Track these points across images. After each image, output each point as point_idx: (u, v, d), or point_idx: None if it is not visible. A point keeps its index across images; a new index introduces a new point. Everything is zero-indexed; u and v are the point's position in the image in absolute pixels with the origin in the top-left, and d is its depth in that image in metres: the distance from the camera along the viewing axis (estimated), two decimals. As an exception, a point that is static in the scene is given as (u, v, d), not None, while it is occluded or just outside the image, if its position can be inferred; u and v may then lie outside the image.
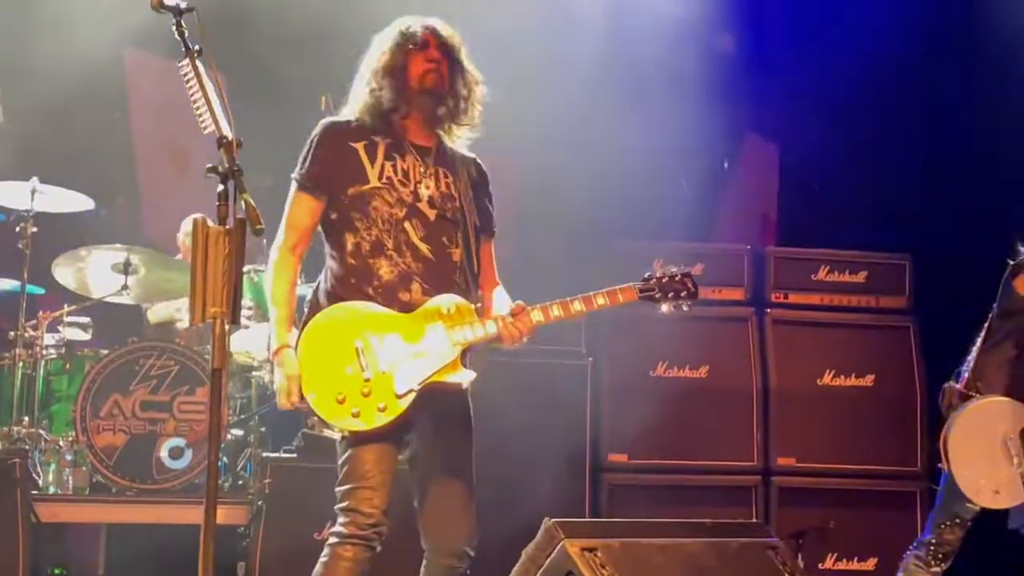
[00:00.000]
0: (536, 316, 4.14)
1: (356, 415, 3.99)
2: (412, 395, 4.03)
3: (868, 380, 7.02)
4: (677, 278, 4.31)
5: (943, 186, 7.43)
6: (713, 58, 8.00)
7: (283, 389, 4.03)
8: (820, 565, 6.76)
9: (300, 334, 4.10)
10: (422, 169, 4.23)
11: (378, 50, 4.23)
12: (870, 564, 6.84)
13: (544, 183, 7.54)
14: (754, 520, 5.30)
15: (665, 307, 4.29)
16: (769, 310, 7.06)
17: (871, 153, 7.64)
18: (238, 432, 6.96)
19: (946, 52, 7.56)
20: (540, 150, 7.52)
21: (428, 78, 4.19)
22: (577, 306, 4.21)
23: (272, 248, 4.23)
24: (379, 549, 4.08)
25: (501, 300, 4.32)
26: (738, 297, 7.08)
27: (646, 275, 4.32)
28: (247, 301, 6.86)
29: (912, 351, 7.06)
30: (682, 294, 4.30)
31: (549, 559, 3.67)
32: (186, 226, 7.47)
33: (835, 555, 6.81)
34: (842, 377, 7.00)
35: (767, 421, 6.92)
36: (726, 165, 8.23)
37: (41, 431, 6.73)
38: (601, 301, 4.25)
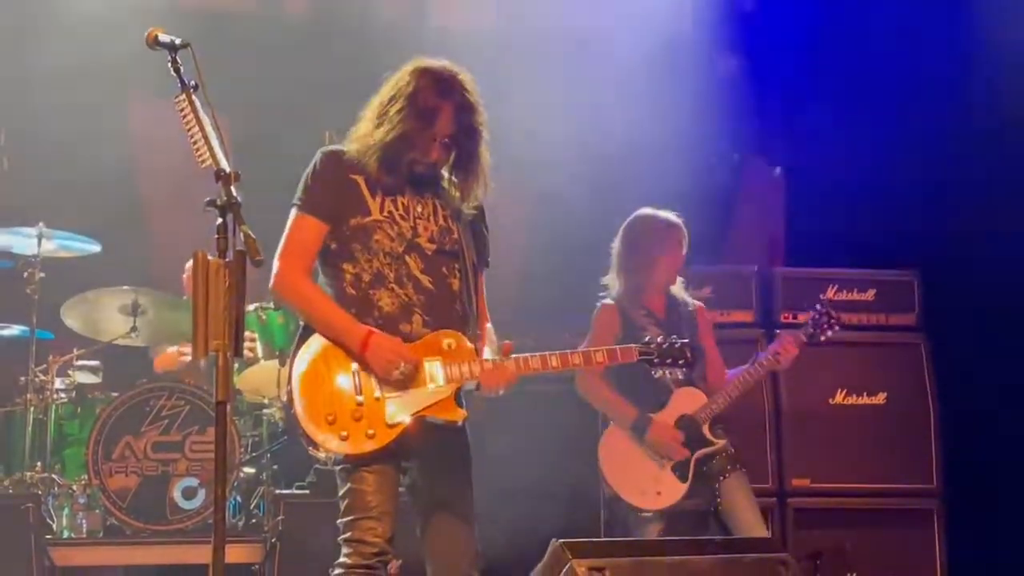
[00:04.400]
0: (511, 366, 4.17)
1: (344, 438, 3.99)
2: (402, 426, 4.03)
3: (880, 398, 6.99)
4: (676, 346, 4.56)
5: (951, 203, 7.41)
6: (717, 79, 8.01)
7: (393, 367, 4.00)
8: (838, 586, 6.72)
9: (295, 352, 4.10)
10: (420, 208, 4.23)
11: (404, 87, 4.16)
12: (889, 583, 6.79)
13: (549, 211, 7.57)
14: (765, 536, 5.30)
15: (659, 372, 4.49)
16: (778, 331, 7.02)
17: (878, 170, 7.62)
18: (250, 470, 6.95)
19: (956, 67, 7.55)
20: (545, 175, 7.53)
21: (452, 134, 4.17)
22: (576, 359, 4.33)
23: (278, 283, 4.17)
24: (384, 577, 4.09)
25: (490, 340, 4.32)
26: (747, 319, 7.05)
27: (647, 339, 4.60)
28: (250, 334, 6.86)
29: (923, 368, 7.02)
30: (679, 362, 4.57)
31: (557, 580, 3.66)
32: (190, 266, 7.47)
33: (853, 575, 6.76)
34: (854, 396, 6.97)
35: (780, 442, 6.88)
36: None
37: (54, 475, 6.72)
38: (600, 358, 4.43)
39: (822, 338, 5.85)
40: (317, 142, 4.92)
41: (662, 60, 7.73)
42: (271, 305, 6.93)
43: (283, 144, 6.81)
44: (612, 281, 5.96)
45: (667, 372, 4.55)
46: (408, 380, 4.05)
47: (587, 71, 7.73)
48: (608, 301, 5.93)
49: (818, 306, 5.93)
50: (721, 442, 5.76)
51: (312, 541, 5.90)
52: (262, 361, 6.94)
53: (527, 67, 7.30)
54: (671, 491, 5.65)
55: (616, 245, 6.00)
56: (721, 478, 5.71)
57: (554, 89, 7.64)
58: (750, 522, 5.64)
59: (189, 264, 7.53)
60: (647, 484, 5.66)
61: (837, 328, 5.89)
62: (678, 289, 6.02)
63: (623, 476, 5.70)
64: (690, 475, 5.66)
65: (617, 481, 5.71)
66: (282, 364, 6.57)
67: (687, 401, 5.75)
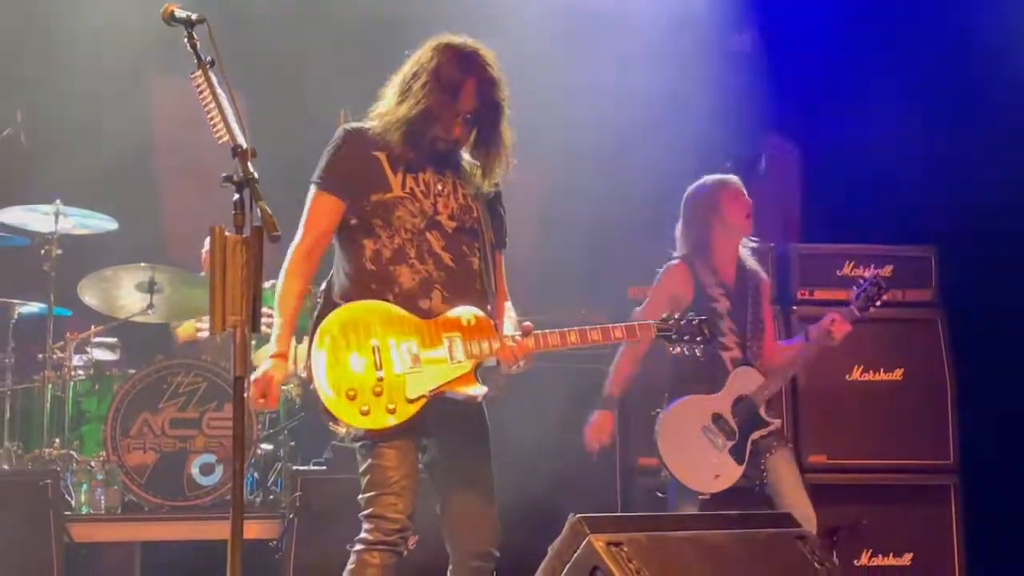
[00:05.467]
0: (530, 342, 4.16)
1: (365, 413, 3.99)
2: (423, 401, 4.03)
3: (897, 374, 6.97)
4: (695, 323, 4.50)
5: (968, 177, 7.38)
6: (731, 56, 7.99)
7: (259, 387, 4.04)
8: (856, 562, 6.71)
9: (316, 327, 4.10)
10: (440, 186, 4.22)
11: (427, 63, 4.16)
12: (906, 559, 6.79)
13: (567, 187, 7.56)
14: (781, 511, 5.29)
15: (678, 349, 4.45)
16: (795, 307, 7.03)
17: (895, 145, 7.59)
18: (268, 447, 6.97)
19: (972, 43, 7.52)
20: (564, 156, 7.53)
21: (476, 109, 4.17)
22: (594, 335, 4.29)
23: (289, 249, 4.21)
24: (405, 553, 4.09)
25: (509, 316, 4.33)
26: (766, 292, 7.05)
27: (665, 315, 4.52)
28: (267, 309, 6.87)
29: (941, 343, 7.00)
30: (697, 338, 4.50)
31: (575, 555, 3.66)
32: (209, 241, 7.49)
33: (870, 551, 6.77)
34: (871, 372, 6.96)
35: (797, 419, 6.88)
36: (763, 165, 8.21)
37: (72, 452, 6.76)
38: (619, 334, 4.37)
39: (871, 309, 5.79)
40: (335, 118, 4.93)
41: (680, 37, 7.69)
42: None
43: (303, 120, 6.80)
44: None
45: (685, 349, 4.48)
46: (424, 357, 4.05)
47: (606, 47, 7.69)
48: (675, 260, 5.87)
49: (865, 278, 5.89)
50: (776, 422, 5.77)
51: (329, 517, 5.91)
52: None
53: (544, 44, 7.27)
54: (728, 473, 5.65)
55: (679, 223, 5.98)
56: (768, 454, 5.70)
57: (572, 67, 7.61)
58: (796, 497, 5.62)
59: (208, 240, 7.57)
60: (705, 467, 5.64)
61: (885, 297, 5.83)
62: (750, 259, 5.98)
63: (681, 459, 5.67)
64: (746, 456, 5.66)
65: (675, 464, 5.67)
66: (299, 341, 6.57)
67: (745, 382, 5.74)
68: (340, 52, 7.63)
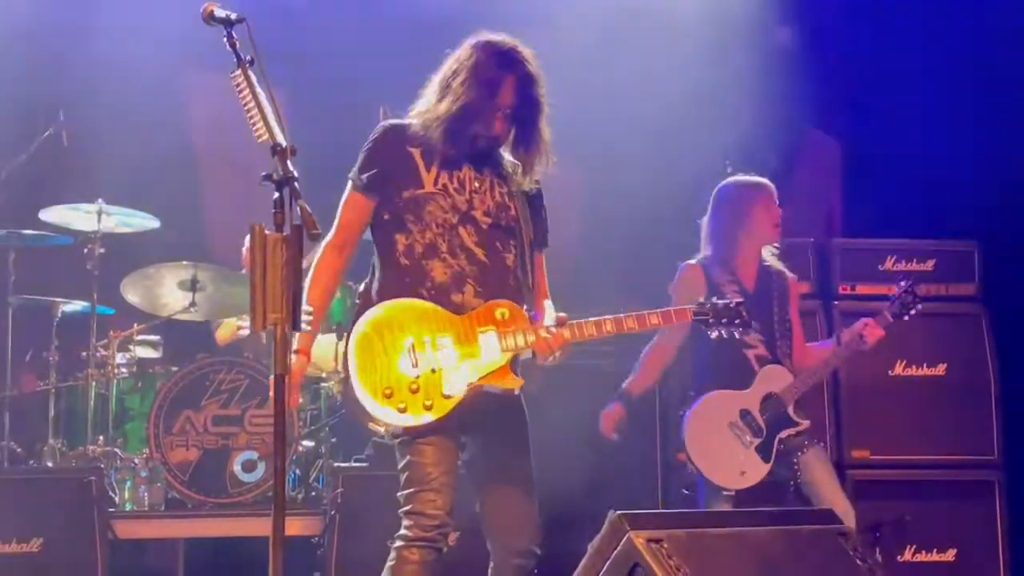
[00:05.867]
0: (565, 332, 4.14)
1: (402, 410, 4.01)
2: (460, 396, 4.04)
3: (940, 369, 6.92)
4: (732, 306, 4.46)
5: (1012, 172, 7.32)
6: (774, 51, 7.95)
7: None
8: (899, 558, 6.66)
9: (353, 326, 4.12)
10: (477, 183, 4.23)
11: (466, 61, 4.18)
12: (949, 555, 6.73)
13: (608, 185, 7.56)
14: (822, 507, 5.25)
15: (715, 333, 4.40)
16: (837, 302, 6.98)
17: (937, 140, 7.54)
18: (309, 443, 7.01)
19: (1012, 35, 7.46)
20: (604, 153, 7.52)
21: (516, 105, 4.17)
22: (630, 323, 4.27)
23: (321, 244, 4.25)
24: (445, 550, 4.10)
25: (549, 314, 4.31)
26: (804, 290, 6.99)
27: (701, 299, 4.48)
28: (308, 307, 6.89)
29: (984, 338, 6.94)
30: (736, 321, 4.44)
31: (615, 551, 3.65)
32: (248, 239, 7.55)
33: (914, 547, 6.72)
34: (913, 367, 6.90)
35: (839, 414, 6.83)
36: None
37: (116, 449, 6.82)
38: (655, 320, 4.34)
39: (905, 317, 5.78)
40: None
41: (722, 32, 7.67)
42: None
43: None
44: (702, 252, 5.92)
45: (723, 332, 4.43)
46: (459, 353, 4.06)
47: (645, 43, 7.68)
48: (691, 261, 5.85)
49: (902, 284, 5.85)
50: (805, 423, 5.72)
51: (371, 513, 5.93)
52: (319, 335, 6.98)
53: (581, 40, 7.27)
54: (755, 471, 5.61)
55: (705, 217, 5.96)
56: (799, 453, 5.66)
57: (614, 64, 7.60)
58: (833, 495, 5.58)
59: (248, 238, 7.62)
60: (731, 464, 5.61)
61: (920, 307, 5.80)
62: (773, 259, 5.94)
63: (708, 456, 5.64)
64: (773, 455, 5.62)
65: (702, 461, 5.64)
66: (339, 338, 6.62)
67: (774, 379, 5.70)
68: (384, 51, 7.65)
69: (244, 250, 7.61)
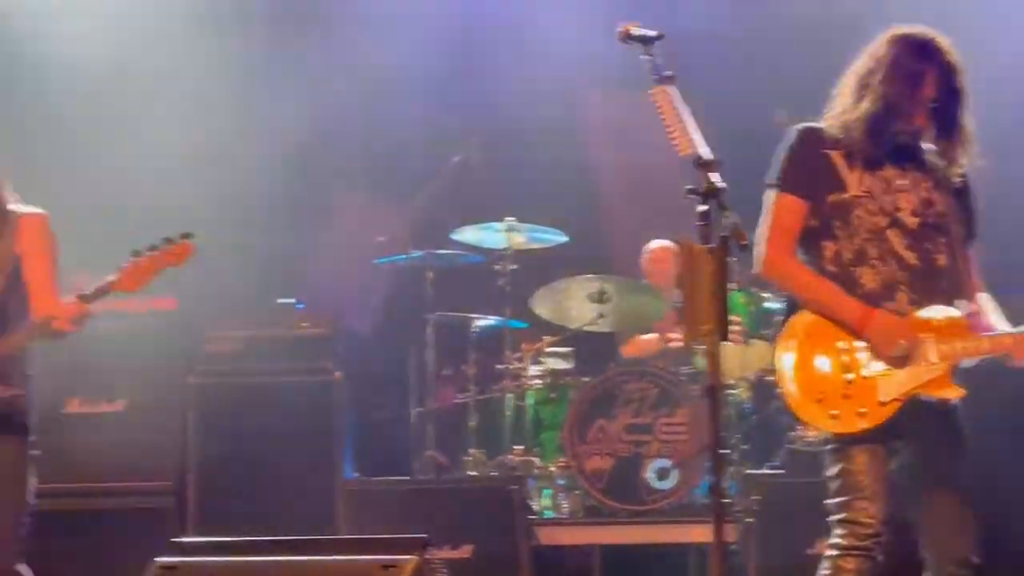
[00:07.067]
0: None
1: (834, 417, 3.96)
2: (896, 404, 3.96)
3: None
4: None
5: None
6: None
7: (895, 344, 3.97)
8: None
9: (780, 334, 4.10)
10: (900, 180, 4.14)
11: (883, 57, 4.09)
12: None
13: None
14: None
15: None
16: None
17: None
18: (720, 451, 7.00)
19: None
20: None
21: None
22: None
23: (768, 266, 4.15)
24: (881, 559, 4.03)
25: (991, 308, 4.18)
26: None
27: None
28: (735, 318, 6.92)
29: None
30: None
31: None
32: (648, 249, 7.72)
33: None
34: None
35: None
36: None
37: (534, 458, 7.05)
38: None
39: None
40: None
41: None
42: (733, 286, 6.96)
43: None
44: None
45: None
46: (904, 358, 3.98)
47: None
48: None
49: None
50: None
51: (788, 521, 5.90)
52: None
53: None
54: None
55: None
56: None
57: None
58: None
59: (648, 247, 7.76)
60: None
61: None
62: None
63: None
64: None
65: None
66: (746, 342, 6.64)
67: None
68: (780, 54, 7.62)
69: (642, 259, 7.75)
